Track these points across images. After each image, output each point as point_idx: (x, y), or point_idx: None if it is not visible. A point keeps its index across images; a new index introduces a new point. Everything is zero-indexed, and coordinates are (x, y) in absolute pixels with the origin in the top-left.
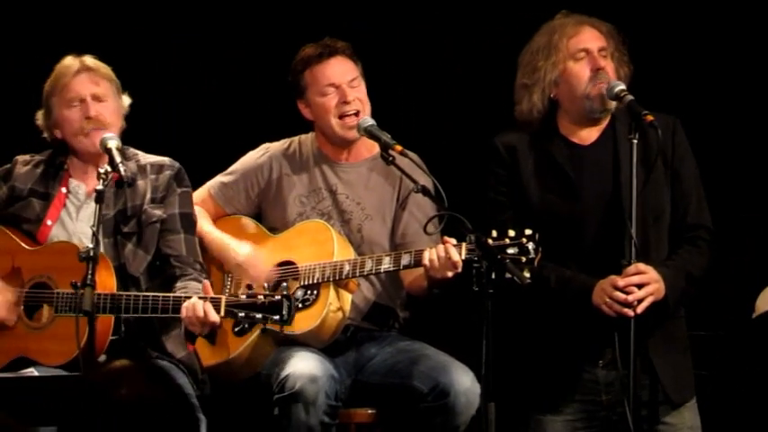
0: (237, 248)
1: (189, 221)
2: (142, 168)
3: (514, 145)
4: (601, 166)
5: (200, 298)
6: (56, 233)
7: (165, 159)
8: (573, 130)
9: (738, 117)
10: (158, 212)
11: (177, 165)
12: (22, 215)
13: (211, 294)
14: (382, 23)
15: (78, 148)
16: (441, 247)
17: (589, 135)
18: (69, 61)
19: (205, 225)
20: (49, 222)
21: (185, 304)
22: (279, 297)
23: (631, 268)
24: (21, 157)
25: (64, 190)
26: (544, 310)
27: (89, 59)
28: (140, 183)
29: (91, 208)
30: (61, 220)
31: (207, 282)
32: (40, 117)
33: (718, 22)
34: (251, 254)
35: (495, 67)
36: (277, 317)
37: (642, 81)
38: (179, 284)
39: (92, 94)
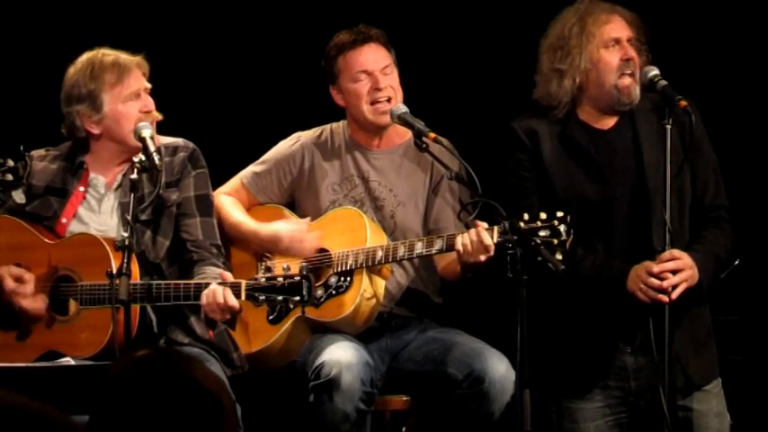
0: (276, 229)
1: (205, 203)
2: (157, 151)
3: (535, 129)
4: (622, 150)
5: (219, 284)
6: (72, 230)
7: (179, 140)
8: (594, 116)
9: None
10: (173, 197)
11: (192, 145)
12: (40, 213)
13: (230, 280)
14: (412, 11)
15: (131, 145)
16: (473, 231)
17: (608, 121)
18: (114, 56)
19: (237, 215)
20: (64, 220)
21: (205, 291)
22: (298, 278)
23: (666, 254)
24: (36, 152)
25: (81, 188)
26: (574, 296)
27: (123, 53)
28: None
29: (111, 200)
30: (78, 217)
31: (226, 273)
32: (77, 113)
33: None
34: (292, 229)
35: (525, 52)
36: (297, 297)
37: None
38: (196, 270)
39: (144, 87)
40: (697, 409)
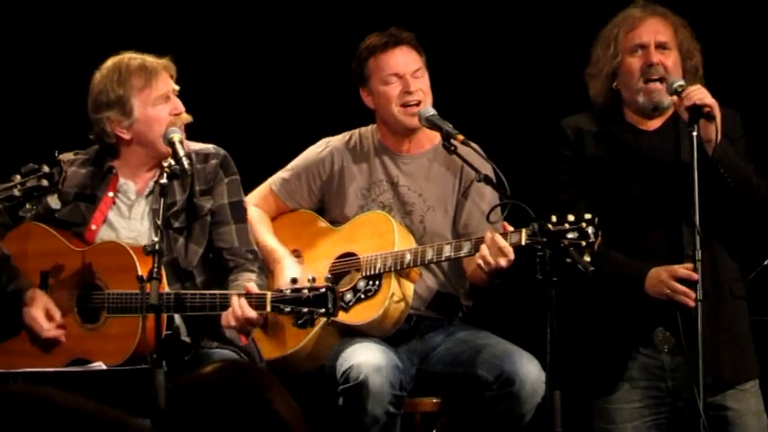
0: (286, 269)
1: (239, 209)
2: (187, 156)
3: (580, 127)
4: (664, 151)
5: (240, 295)
6: (102, 236)
7: (210, 147)
8: (637, 119)
9: None
10: (207, 205)
11: (223, 152)
12: (69, 220)
13: (255, 292)
14: (443, 14)
15: (161, 150)
16: (488, 236)
17: (653, 123)
18: (140, 60)
19: (263, 234)
20: (93, 227)
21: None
22: (323, 290)
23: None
24: (64, 156)
25: (111, 194)
26: (605, 295)
27: (149, 56)
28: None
29: (142, 206)
30: (108, 223)
31: (250, 285)
32: (107, 119)
33: None
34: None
35: (554, 55)
36: (323, 310)
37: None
38: (231, 277)
39: (173, 89)
40: (734, 408)
